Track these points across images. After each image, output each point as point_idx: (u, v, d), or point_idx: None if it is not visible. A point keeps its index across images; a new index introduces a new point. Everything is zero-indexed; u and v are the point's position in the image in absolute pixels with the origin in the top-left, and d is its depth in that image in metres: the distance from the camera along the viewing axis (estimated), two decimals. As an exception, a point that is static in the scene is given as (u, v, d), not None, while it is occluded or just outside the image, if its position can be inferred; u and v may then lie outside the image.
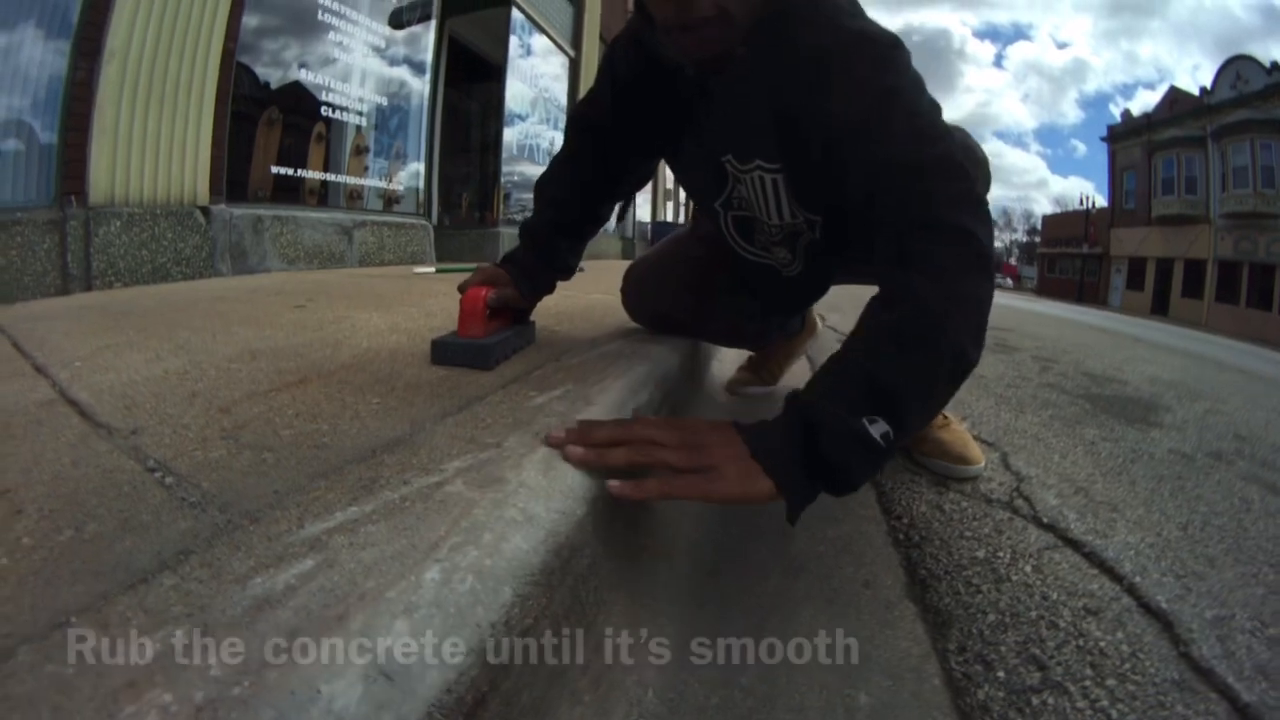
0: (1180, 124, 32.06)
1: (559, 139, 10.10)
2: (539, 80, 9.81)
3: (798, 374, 2.31)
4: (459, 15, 7.76)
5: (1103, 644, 0.99)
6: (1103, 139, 39.84)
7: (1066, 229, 45.96)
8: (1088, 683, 0.91)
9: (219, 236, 4.11)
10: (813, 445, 0.84)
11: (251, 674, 0.43)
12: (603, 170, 1.61)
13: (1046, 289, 45.80)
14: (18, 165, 3.28)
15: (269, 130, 4.83)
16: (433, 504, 0.67)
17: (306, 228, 4.92)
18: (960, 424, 1.79)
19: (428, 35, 6.67)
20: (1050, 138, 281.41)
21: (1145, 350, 5.76)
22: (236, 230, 4.27)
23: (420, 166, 6.74)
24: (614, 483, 0.81)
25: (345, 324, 1.92)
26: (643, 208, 13.56)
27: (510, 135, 8.99)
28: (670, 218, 18.12)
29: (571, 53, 10.71)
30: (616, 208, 1.76)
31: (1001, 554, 1.27)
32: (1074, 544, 1.32)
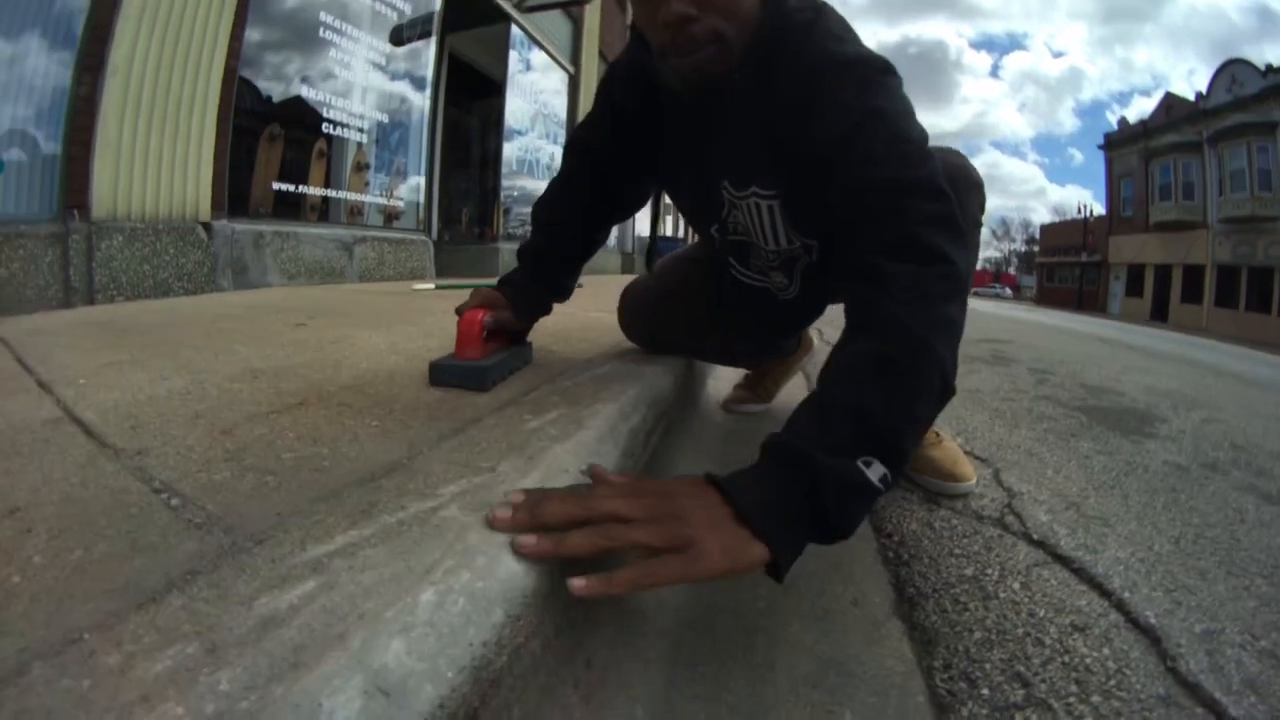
0: (1176, 130, 32.34)
1: (558, 154, 9.99)
2: (539, 96, 9.86)
3: (794, 391, 2.32)
4: (459, 32, 7.80)
5: (1088, 660, 0.99)
6: (1099, 147, 40.24)
7: (1065, 238, 46.21)
8: (1072, 699, 0.91)
9: (220, 252, 4.13)
10: (813, 500, 0.78)
11: (258, 689, 0.46)
12: (600, 193, 1.62)
13: (1046, 298, 46.07)
14: (21, 178, 3.29)
15: (270, 146, 4.86)
16: (429, 528, 0.69)
17: (307, 243, 4.94)
18: (952, 440, 1.79)
19: (428, 51, 6.70)
20: (1047, 147, 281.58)
21: (1143, 359, 5.77)
22: (238, 246, 4.29)
23: (420, 182, 6.77)
24: (577, 582, 0.67)
25: (345, 344, 1.95)
26: (642, 220, 13.59)
27: (510, 150, 9.04)
28: (670, 232, 18.16)
29: (571, 69, 10.76)
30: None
31: (990, 571, 1.27)
32: (1063, 560, 1.32)
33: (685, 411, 1.85)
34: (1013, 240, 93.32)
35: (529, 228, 1.71)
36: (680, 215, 1.64)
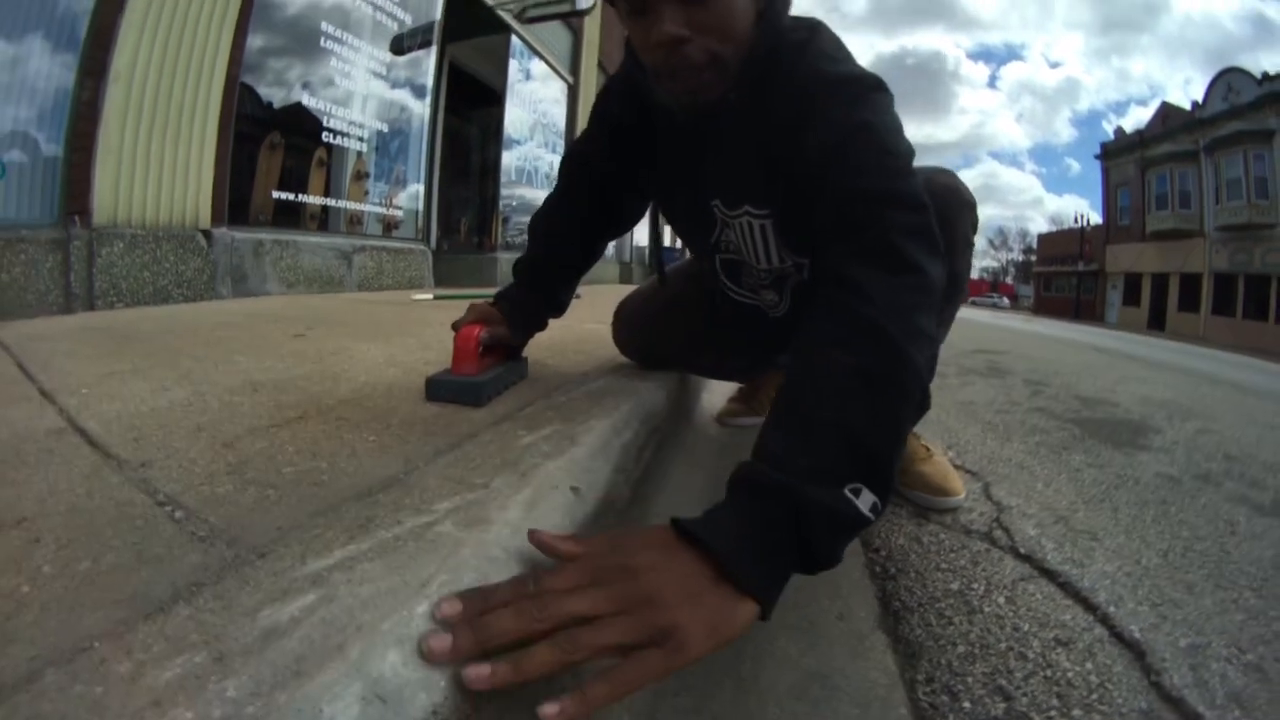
0: (1173, 139, 32.45)
1: (557, 163, 10.06)
2: (538, 105, 9.89)
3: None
4: (459, 41, 7.83)
5: (1070, 675, 1.00)
6: (1096, 157, 40.37)
7: (1062, 247, 46.40)
8: (1053, 713, 0.91)
9: (220, 259, 4.14)
10: (800, 536, 0.72)
11: (263, 695, 0.48)
12: (596, 209, 1.64)
13: (1043, 307, 46.20)
14: (22, 182, 3.32)
15: (271, 154, 4.88)
16: (424, 543, 0.72)
17: (306, 252, 4.96)
18: (943, 455, 1.80)
19: (428, 61, 6.73)
20: (1045, 157, 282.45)
21: (1140, 369, 5.78)
22: (237, 254, 4.31)
23: (420, 191, 6.79)
24: (547, 709, 0.57)
25: (343, 356, 1.97)
26: (641, 229, 13.63)
27: (509, 159, 9.08)
28: (668, 242, 18.17)
29: (570, 79, 10.79)
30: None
31: (976, 585, 1.28)
32: (1049, 574, 1.33)
33: (679, 425, 1.87)
34: (1010, 250, 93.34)
35: (526, 238, 1.73)
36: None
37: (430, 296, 4.84)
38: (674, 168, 1.42)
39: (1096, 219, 41.92)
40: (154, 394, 1.43)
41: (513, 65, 8.77)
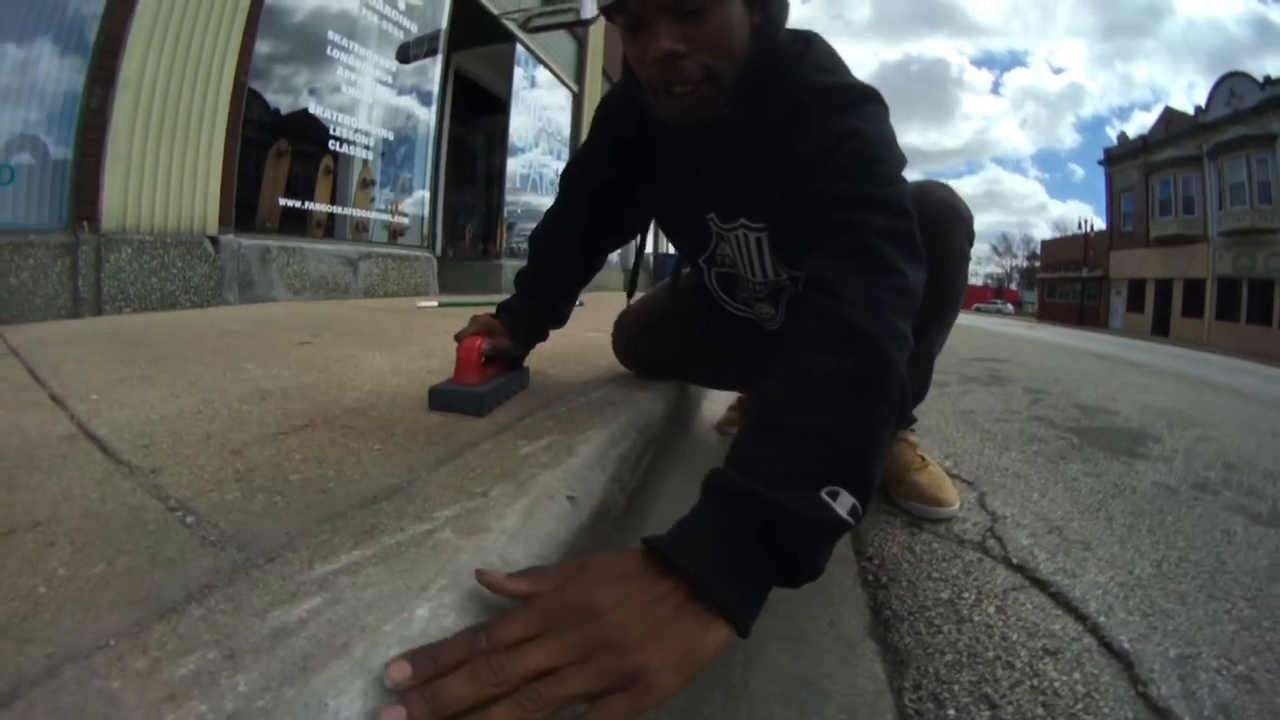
0: (1176, 144, 32.35)
1: (562, 169, 10.06)
2: (543, 113, 9.94)
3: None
4: (464, 50, 7.88)
5: (1057, 684, 1.00)
6: (1100, 162, 40.25)
7: (1066, 253, 46.12)
8: None
9: (227, 266, 4.18)
10: (776, 545, 0.68)
11: (272, 690, 0.52)
12: (596, 221, 1.65)
13: (1047, 314, 45.99)
14: (31, 186, 3.35)
15: (278, 162, 4.92)
16: (424, 550, 0.75)
17: (312, 259, 5.00)
18: (938, 465, 1.80)
19: (434, 70, 6.79)
20: (1048, 162, 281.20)
21: (1141, 376, 5.76)
22: (244, 260, 4.35)
23: (425, 199, 6.83)
24: None
25: (349, 364, 2.00)
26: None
27: (514, 166, 9.12)
28: (671, 249, 18.19)
29: (575, 87, 10.84)
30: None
31: (966, 595, 1.28)
32: (1041, 584, 1.33)
33: (678, 435, 1.89)
34: (1014, 256, 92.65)
35: (534, 228, 1.74)
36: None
37: (435, 304, 4.88)
38: (670, 181, 1.43)
39: (1100, 225, 41.83)
40: (163, 401, 1.46)
41: (518, 73, 8.82)
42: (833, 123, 1.07)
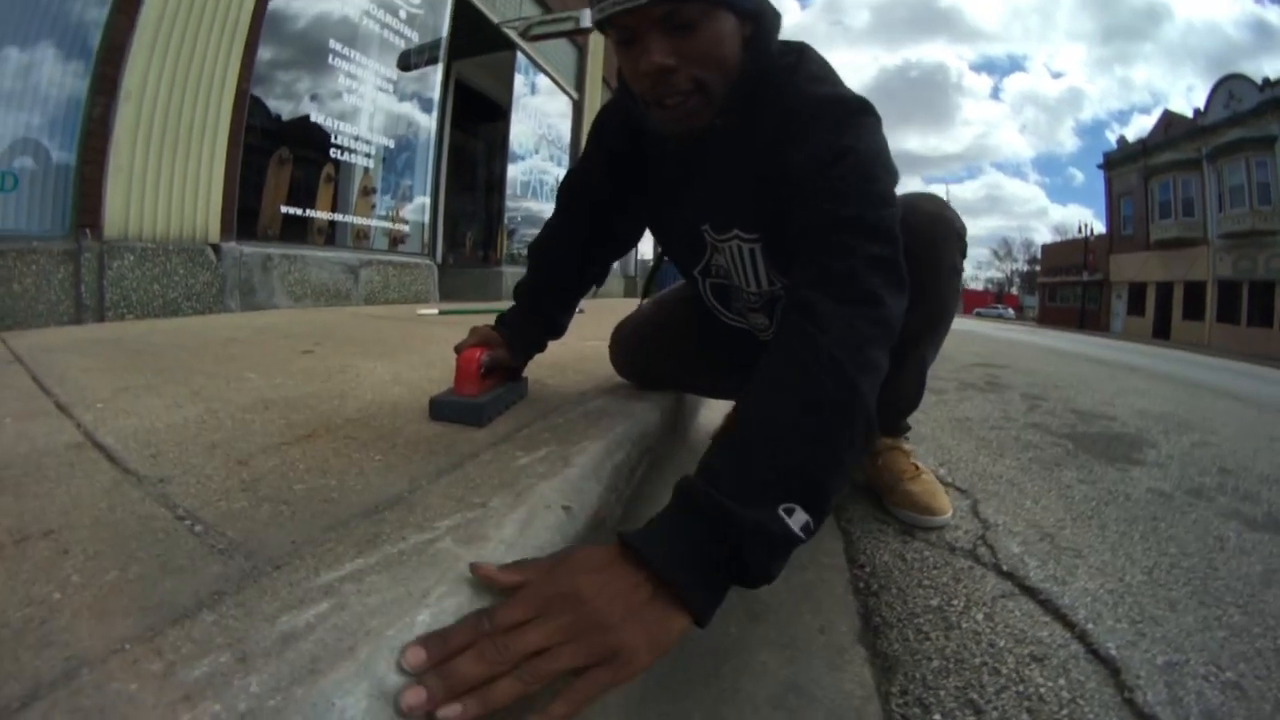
0: (1175, 147, 32.31)
1: (562, 177, 10.10)
2: (544, 119, 9.98)
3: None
4: (465, 58, 7.91)
5: (1043, 690, 1.01)
6: (1099, 166, 40.23)
7: (1066, 257, 45.98)
8: None
9: (229, 273, 4.22)
10: (734, 551, 0.76)
11: (283, 691, 0.55)
12: (594, 232, 1.66)
13: (1048, 318, 45.91)
14: (33, 195, 3.39)
15: (279, 170, 4.96)
16: (425, 558, 0.78)
17: (314, 266, 5.03)
18: (931, 473, 1.81)
19: (435, 77, 6.85)
20: (1048, 167, 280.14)
21: (1141, 380, 5.77)
22: (246, 268, 4.38)
23: (426, 207, 6.87)
24: None
25: (350, 374, 2.03)
26: (646, 242, 13.70)
27: (514, 173, 9.17)
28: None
29: (575, 95, 10.89)
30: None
31: (955, 602, 1.29)
32: (1030, 591, 1.34)
33: (674, 444, 1.91)
34: (1015, 260, 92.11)
35: (532, 240, 1.75)
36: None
37: (435, 312, 4.90)
38: (665, 193, 1.45)
39: (1100, 228, 41.77)
40: (168, 410, 1.48)
41: (518, 80, 8.87)
42: (828, 137, 1.09)
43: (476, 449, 1.26)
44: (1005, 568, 1.45)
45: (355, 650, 0.60)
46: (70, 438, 1.27)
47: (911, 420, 1.83)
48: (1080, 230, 45.76)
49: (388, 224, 6.31)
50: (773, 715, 0.96)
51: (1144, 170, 34.33)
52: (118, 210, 3.62)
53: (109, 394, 1.63)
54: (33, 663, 0.59)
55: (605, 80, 11.57)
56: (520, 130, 9.23)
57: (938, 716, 0.97)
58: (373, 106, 5.88)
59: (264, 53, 4.55)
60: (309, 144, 5.25)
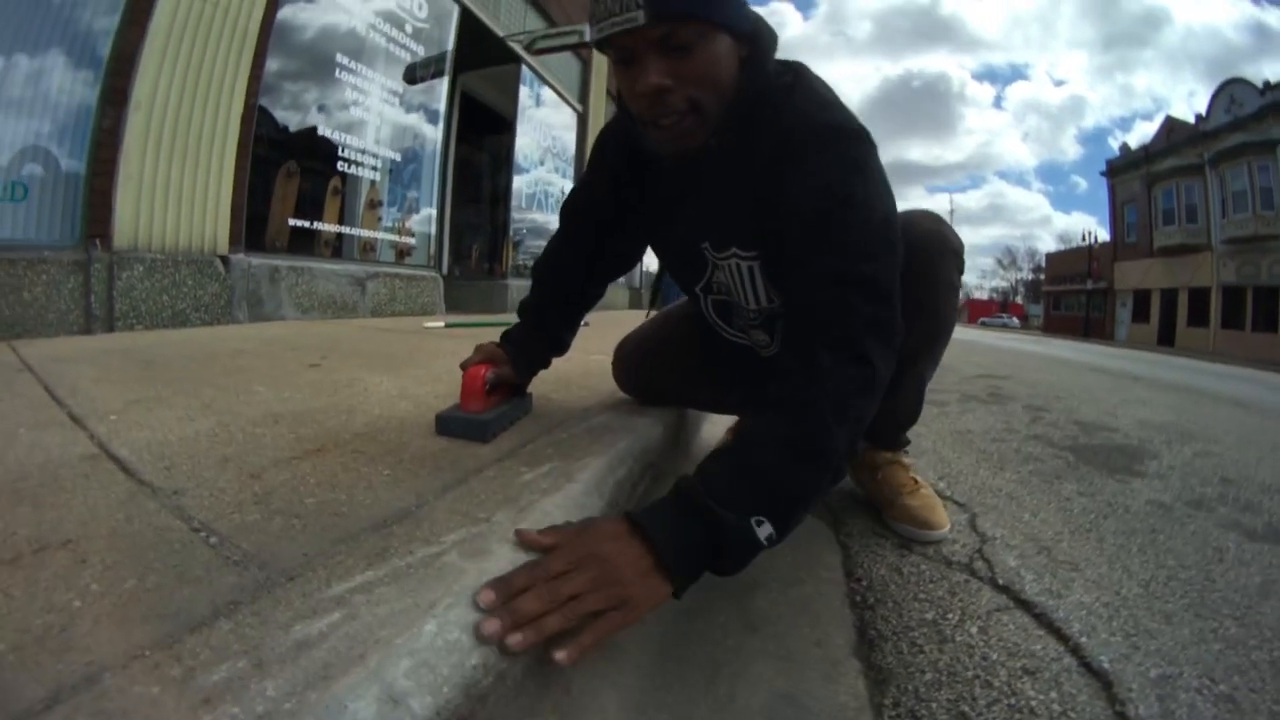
0: (1177, 153, 32.23)
1: (568, 188, 10.31)
2: (549, 131, 10.03)
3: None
4: (471, 71, 7.97)
5: (1034, 703, 1.01)
6: (1102, 174, 40.13)
7: (1070, 265, 45.91)
8: None
9: (237, 285, 4.25)
10: (713, 544, 0.93)
11: (297, 695, 0.58)
12: (596, 252, 1.68)
13: (1053, 326, 45.74)
14: (43, 205, 3.42)
15: (287, 182, 4.99)
16: (432, 571, 0.81)
17: (321, 278, 5.06)
18: (929, 488, 1.82)
19: (441, 90, 6.88)
20: (1051, 175, 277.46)
21: (1144, 389, 5.73)
22: (254, 279, 4.42)
23: (432, 219, 6.90)
24: (561, 654, 0.79)
25: (358, 388, 2.06)
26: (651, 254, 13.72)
27: (520, 184, 9.23)
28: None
29: (580, 107, 10.94)
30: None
31: (950, 615, 1.30)
32: (1025, 605, 1.34)
33: (676, 459, 1.93)
34: (1019, 269, 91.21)
35: (536, 258, 1.78)
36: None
37: (441, 325, 4.92)
38: (664, 212, 1.47)
39: (1104, 236, 41.66)
40: (180, 423, 1.51)
41: (523, 92, 8.92)
42: (828, 173, 1.14)
43: (481, 465, 1.29)
44: (1001, 581, 1.45)
45: (366, 657, 0.63)
46: (84, 449, 1.30)
47: (913, 433, 1.85)
48: (1084, 238, 45.81)
49: (394, 236, 6.34)
50: (767, 725, 0.97)
51: (1147, 177, 34.29)
52: (127, 221, 3.65)
53: (121, 405, 1.66)
54: (55, 667, 0.62)
55: (609, 93, 11.61)
56: (525, 142, 9.28)
57: (929, 728, 0.97)
58: (379, 119, 5.92)
59: (271, 64, 4.60)
60: (316, 156, 5.29)
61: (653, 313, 2.02)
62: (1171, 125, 34.75)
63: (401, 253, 6.47)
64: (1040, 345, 16.07)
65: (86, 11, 3.52)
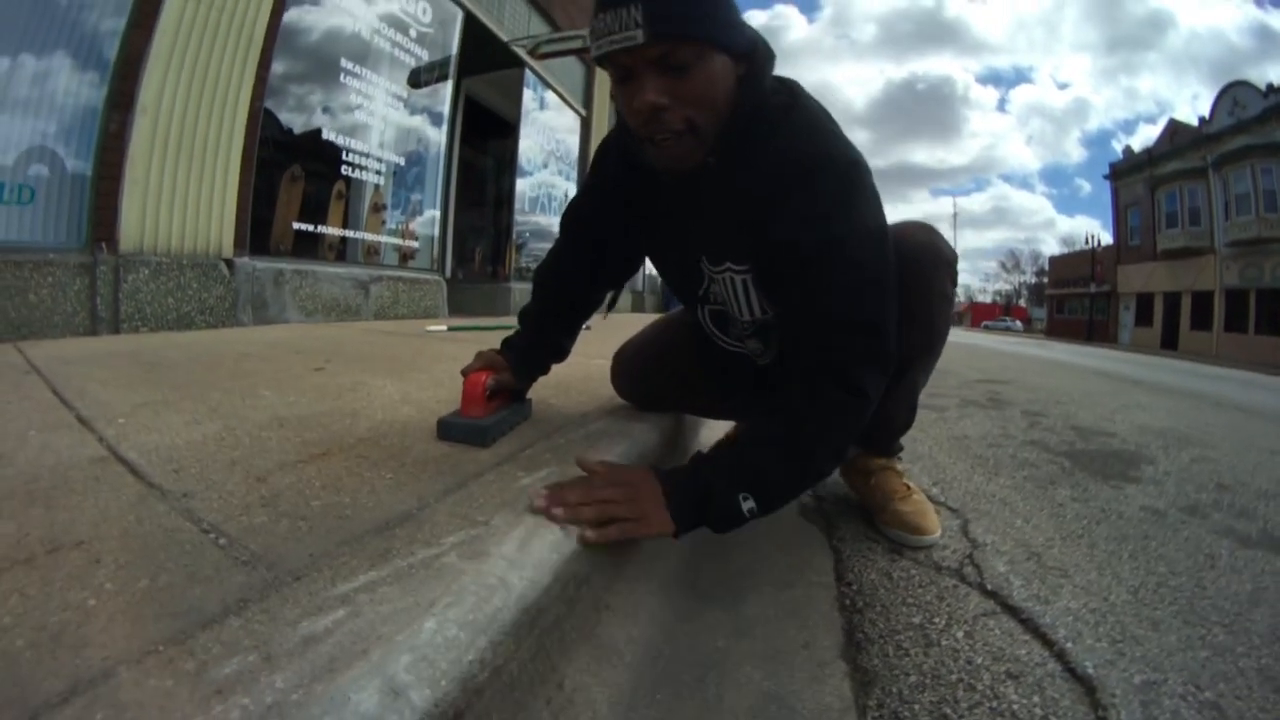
0: (1181, 156, 32.14)
1: (571, 191, 10.32)
2: (552, 135, 10.07)
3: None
4: (474, 75, 8.00)
5: (1015, 707, 1.02)
6: (1105, 177, 39.94)
7: (1074, 269, 45.74)
8: None
9: (242, 288, 4.29)
10: (706, 506, 1.17)
11: (304, 687, 0.62)
12: (596, 261, 1.70)
13: (1056, 330, 45.49)
14: (49, 208, 3.46)
15: (291, 186, 5.04)
16: (432, 571, 0.85)
17: (325, 282, 5.10)
18: (921, 493, 1.83)
19: (445, 94, 6.92)
20: (1055, 178, 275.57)
21: (1144, 394, 5.68)
22: (258, 282, 4.45)
23: (435, 222, 6.94)
24: (589, 534, 1.08)
25: (361, 392, 2.09)
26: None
27: (523, 187, 9.26)
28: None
29: (583, 111, 10.97)
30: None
31: (937, 620, 1.31)
32: (1012, 610, 1.34)
33: (673, 463, 1.93)
34: (1023, 273, 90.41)
35: (538, 265, 1.80)
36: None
37: (444, 328, 4.95)
38: (663, 225, 1.50)
39: (1108, 239, 41.48)
40: (188, 426, 1.55)
41: (527, 96, 8.97)
42: (820, 217, 1.20)
43: (481, 469, 1.33)
44: (989, 587, 1.46)
45: (369, 652, 0.67)
46: (94, 452, 1.34)
47: (909, 439, 1.87)
48: (1087, 241, 45.65)
49: (398, 240, 6.39)
50: (753, 724, 1.00)
51: (1150, 180, 34.14)
52: (133, 224, 3.69)
53: (129, 409, 1.69)
54: (72, 662, 0.65)
55: (612, 97, 11.60)
56: (529, 146, 9.33)
57: (911, 729, 1.00)
58: (383, 123, 5.97)
59: (277, 68, 4.65)
60: (320, 160, 5.34)
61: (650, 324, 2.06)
62: (1175, 128, 34.69)
63: (405, 256, 6.51)
64: (1043, 349, 15.95)
65: (93, 13, 3.56)
